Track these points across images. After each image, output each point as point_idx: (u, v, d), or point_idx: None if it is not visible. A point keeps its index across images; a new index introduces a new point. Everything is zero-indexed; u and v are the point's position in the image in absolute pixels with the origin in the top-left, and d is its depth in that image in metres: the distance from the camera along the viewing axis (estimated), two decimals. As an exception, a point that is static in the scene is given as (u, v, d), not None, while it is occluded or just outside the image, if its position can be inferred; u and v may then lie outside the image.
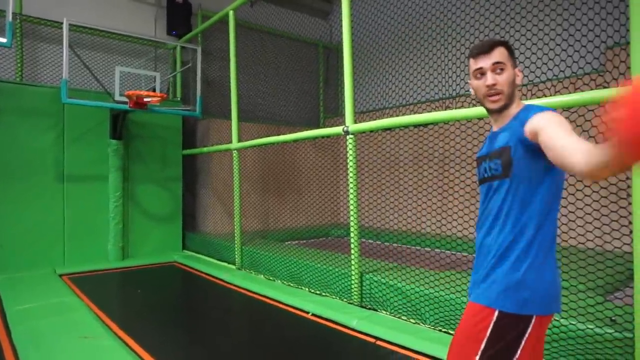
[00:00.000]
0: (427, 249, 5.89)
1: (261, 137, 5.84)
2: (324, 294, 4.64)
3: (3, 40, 5.23)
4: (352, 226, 4.28)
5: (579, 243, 3.01)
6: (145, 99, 6.09)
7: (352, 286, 4.30)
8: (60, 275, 5.78)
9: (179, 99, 7.98)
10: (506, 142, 1.48)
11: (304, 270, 5.01)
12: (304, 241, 7.88)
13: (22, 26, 6.68)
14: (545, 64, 3.61)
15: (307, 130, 5.14)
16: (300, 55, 9.40)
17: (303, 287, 4.94)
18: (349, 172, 4.29)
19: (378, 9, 5.43)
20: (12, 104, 6.05)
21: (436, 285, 3.70)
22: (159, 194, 7.33)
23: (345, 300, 4.39)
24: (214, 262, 6.66)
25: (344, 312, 3.98)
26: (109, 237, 6.70)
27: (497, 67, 1.52)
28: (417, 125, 3.69)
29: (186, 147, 7.72)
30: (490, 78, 1.52)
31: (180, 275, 6.20)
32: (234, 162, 6.18)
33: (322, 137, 4.78)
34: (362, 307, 4.19)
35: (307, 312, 4.17)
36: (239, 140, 6.19)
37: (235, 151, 6.16)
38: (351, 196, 4.26)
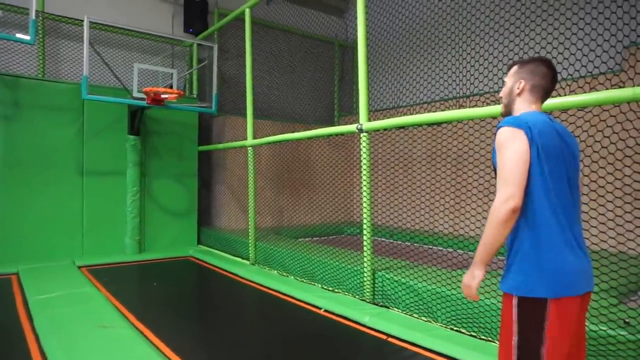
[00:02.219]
0: (440, 248, 5.90)
1: (276, 135, 5.90)
2: (336, 290, 4.69)
3: (26, 37, 5.37)
4: (365, 224, 4.31)
5: (593, 243, 3.00)
6: (162, 96, 6.19)
7: (365, 283, 4.33)
8: (79, 267, 5.93)
9: (195, 95, 8.09)
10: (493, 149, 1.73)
11: (317, 267, 5.06)
12: (317, 238, 7.93)
13: (44, 24, 6.84)
14: (560, 63, 3.59)
15: (321, 128, 5.18)
16: (315, 53, 9.43)
17: (316, 284, 4.99)
18: (362, 170, 4.32)
19: (393, 7, 5.43)
20: (35, 100, 6.20)
21: (448, 284, 3.71)
22: (175, 189, 7.44)
23: (357, 297, 4.43)
24: (228, 257, 6.75)
25: (356, 309, 4.02)
26: (126, 231, 6.84)
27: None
28: (431, 124, 3.70)
29: (202, 143, 7.82)
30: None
31: (195, 269, 6.30)
32: (249, 159, 6.25)
33: (336, 134, 4.81)
34: (374, 304, 4.23)
35: (320, 308, 4.22)
36: (254, 138, 6.25)
37: (250, 148, 6.23)
38: (364, 194, 4.29)
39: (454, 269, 4.26)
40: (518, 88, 1.77)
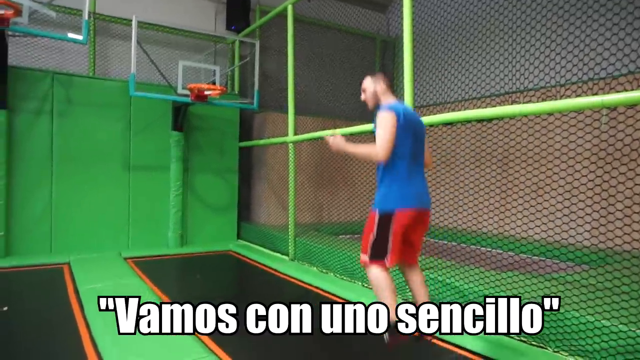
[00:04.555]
0: (487, 248, 5.71)
1: (316, 131, 5.86)
2: (377, 289, 4.60)
3: (79, 37, 5.57)
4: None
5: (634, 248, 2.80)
6: (206, 92, 6.29)
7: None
8: (125, 259, 6.12)
9: (236, 92, 8.18)
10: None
11: (358, 265, 5.00)
12: (358, 235, 7.86)
13: (95, 24, 7.08)
14: (586, 64, 3.42)
15: (363, 124, 5.10)
16: (356, 49, 9.34)
17: (356, 281, 4.94)
18: (406, 166, 4.22)
19: None
20: (85, 97, 6.44)
21: (497, 286, 3.57)
22: (216, 184, 7.57)
23: (399, 296, 4.34)
24: (268, 253, 6.80)
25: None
26: (169, 225, 7.01)
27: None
28: (480, 120, 3.56)
29: (242, 139, 7.90)
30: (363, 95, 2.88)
31: (235, 263, 6.38)
32: (290, 154, 6.25)
33: (380, 131, 4.72)
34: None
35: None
36: (295, 134, 6.25)
37: (291, 144, 6.23)
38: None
39: (502, 270, 4.11)
40: (380, 88, 2.74)
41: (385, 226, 2.48)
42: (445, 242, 6.43)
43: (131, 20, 6.16)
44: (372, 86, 2.76)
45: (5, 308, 3.96)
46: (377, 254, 2.51)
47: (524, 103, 3.21)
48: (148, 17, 6.51)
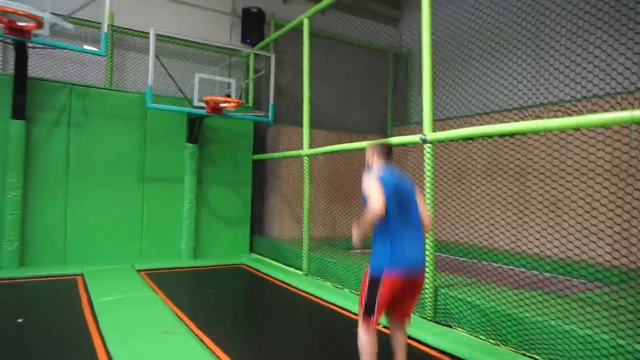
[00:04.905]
0: (500, 265, 5.60)
1: (330, 144, 5.83)
2: (394, 305, 4.52)
3: (97, 49, 5.64)
4: (428, 238, 4.14)
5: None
6: (222, 105, 6.30)
7: (426, 300, 4.15)
8: (138, 271, 6.08)
9: (250, 105, 8.20)
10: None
11: (373, 280, 4.91)
12: (370, 250, 7.77)
13: (112, 36, 7.17)
14: (621, 73, 3.36)
15: (377, 138, 5.07)
16: (368, 63, 9.35)
17: (372, 298, 4.84)
18: (425, 182, 4.17)
19: (457, 10, 5.27)
20: (102, 108, 6.49)
21: (520, 306, 3.47)
22: (229, 196, 7.55)
23: (417, 314, 4.25)
24: (281, 267, 6.73)
25: (417, 327, 3.84)
26: (182, 237, 6.99)
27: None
28: (503, 135, 3.50)
29: (255, 152, 7.89)
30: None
31: (248, 277, 6.32)
32: (305, 168, 6.22)
33: (397, 145, 4.67)
34: (435, 322, 4.03)
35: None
36: (310, 147, 6.23)
37: (306, 157, 6.20)
38: (428, 207, 4.13)
39: (519, 288, 4.01)
40: (372, 157, 2.84)
41: (374, 289, 2.55)
42: (460, 258, 6.32)
43: (147, 33, 6.22)
44: (368, 154, 2.89)
45: (21, 320, 3.93)
46: (367, 313, 2.61)
47: (547, 117, 3.14)
48: (164, 30, 6.57)
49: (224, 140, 7.51)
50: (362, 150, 7.77)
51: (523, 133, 3.34)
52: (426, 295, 4.15)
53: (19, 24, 5.12)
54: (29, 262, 5.92)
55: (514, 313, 3.43)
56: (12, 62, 6.03)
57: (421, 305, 4.25)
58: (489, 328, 3.63)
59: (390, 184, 2.57)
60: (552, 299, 3.46)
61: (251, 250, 7.82)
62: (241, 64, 8.54)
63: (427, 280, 4.15)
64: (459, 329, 3.85)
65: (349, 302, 4.68)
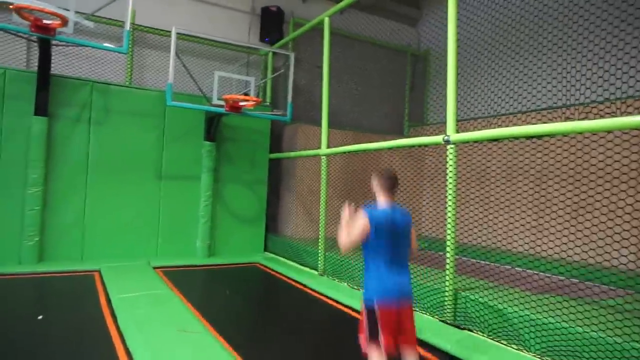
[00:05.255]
0: (518, 268, 5.49)
1: (347, 144, 5.78)
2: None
3: (120, 47, 5.67)
4: (449, 240, 4.08)
5: None
6: (241, 103, 6.29)
7: (446, 303, 4.08)
8: (154, 268, 6.10)
9: (268, 103, 8.19)
10: None
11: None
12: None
13: (133, 34, 7.21)
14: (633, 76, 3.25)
15: (394, 138, 5.01)
16: (385, 62, 9.29)
17: (389, 300, 4.78)
18: (447, 184, 4.10)
19: (482, 9, 5.17)
20: (122, 106, 6.54)
21: (545, 311, 3.39)
22: (245, 195, 7.54)
23: (436, 317, 4.18)
24: (296, 266, 6.70)
25: (437, 332, 3.78)
26: (198, 234, 7.00)
27: None
28: (530, 137, 3.43)
29: (272, 151, 7.88)
30: None
31: (263, 276, 6.30)
32: (322, 167, 6.18)
33: (419, 146, 4.63)
34: (455, 326, 3.96)
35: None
36: (328, 147, 6.19)
37: (324, 157, 6.17)
38: (449, 209, 4.07)
39: (540, 292, 3.92)
40: (375, 187, 2.81)
41: (372, 320, 2.60)
42: (474, 260, 6.21)
43: (168, 31, 6.24)
44: (372, 183, 2.88)
45: (41, 317, 3.96)
46: (372, 336, 2.63)
47: (579, 119, 3.06)
48: (184, 29, 6.59)
49: (241, 139, 7.51)
50: (379, 151, 7.76)
51: (551, 135, 3.26)
52: (446, 298, 4.08)
53: (45, 21, 5.18)
54: (47, 257, 5.98)
55: (538, 318, 3.35)
56: (35, 59, 6.10)
57: (439, 307, 4.19)
58: (510, 333, 3.55)
59: (382, 221, 2.63)
60: (579, 304, 3.37)
61: (265, 249, 7.81)
62: (259, 62, 8.54)
63: (447, 283, 4.10)
64: (479, 333, 3.78)
65: (367, 303, 4.62)
